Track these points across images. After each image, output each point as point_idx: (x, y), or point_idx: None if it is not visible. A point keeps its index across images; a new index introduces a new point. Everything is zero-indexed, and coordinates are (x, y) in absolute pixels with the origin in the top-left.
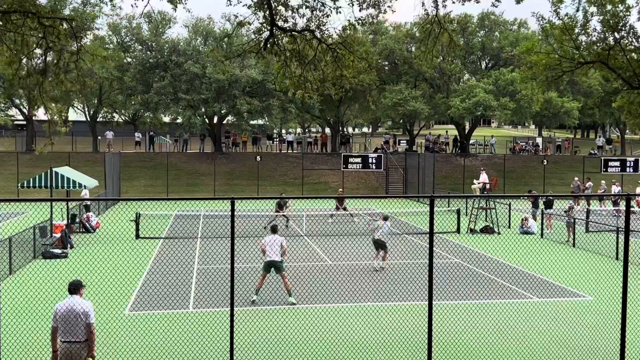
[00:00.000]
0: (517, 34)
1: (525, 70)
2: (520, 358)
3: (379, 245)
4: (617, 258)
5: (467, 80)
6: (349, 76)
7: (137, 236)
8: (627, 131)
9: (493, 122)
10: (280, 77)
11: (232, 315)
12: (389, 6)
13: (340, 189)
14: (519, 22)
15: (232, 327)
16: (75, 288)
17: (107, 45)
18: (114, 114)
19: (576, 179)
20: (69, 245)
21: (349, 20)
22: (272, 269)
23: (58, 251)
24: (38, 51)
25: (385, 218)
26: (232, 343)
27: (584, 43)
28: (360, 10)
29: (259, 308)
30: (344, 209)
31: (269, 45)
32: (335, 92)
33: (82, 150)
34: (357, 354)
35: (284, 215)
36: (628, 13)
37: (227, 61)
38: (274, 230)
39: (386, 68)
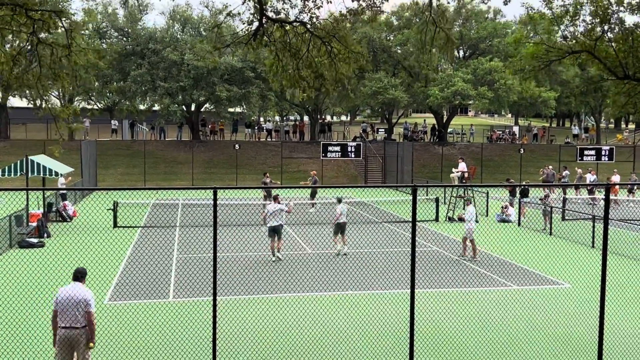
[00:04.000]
0: (496, 24)
1: (515, 62)
2: (500, 345)
3: (342, 228)
4: (592, 246)
5: (445, 70)
6: (346, 72)
7: (115, 225)
8: (602, 120)
9: (470, 111)
10: (274, 72)
11: (214, 304)
12: None
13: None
14: (493, 10)
15: (214, 316)
16: (81, 275)
17: (82, 32)
18: (90, 101)
19: (550, 167)
20: (45, 235)
21: (340, 12)
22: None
23: (35, 240)
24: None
25: (340, 200)
26: (214, 332)
27: (570, 33)
28: (352, 1)
29: (240, 297)
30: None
31: (258, 36)
32: (332, 87)
33: (57, 137)
34: (339, 342)
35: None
36: (622, 8)
37: (215, 52)
38: (275, 199)
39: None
